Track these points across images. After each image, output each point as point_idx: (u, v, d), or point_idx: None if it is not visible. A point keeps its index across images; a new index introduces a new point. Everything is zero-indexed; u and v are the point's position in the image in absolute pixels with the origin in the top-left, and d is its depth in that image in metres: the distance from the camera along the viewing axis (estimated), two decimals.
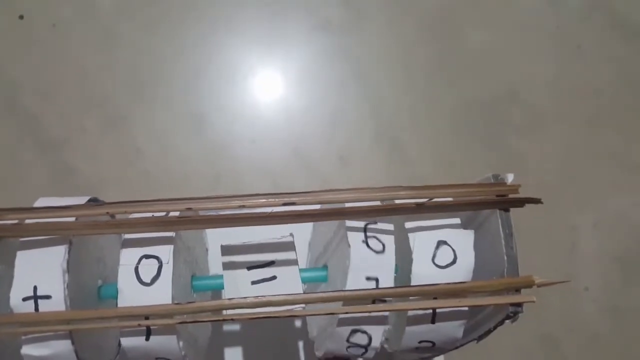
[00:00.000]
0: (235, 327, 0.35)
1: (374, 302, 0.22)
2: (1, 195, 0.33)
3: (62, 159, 0.41)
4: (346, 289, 0.22)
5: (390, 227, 0.23)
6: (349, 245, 0.22)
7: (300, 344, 0.35)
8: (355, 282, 0.22)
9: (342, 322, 0.23)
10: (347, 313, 0.22)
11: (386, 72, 0.44)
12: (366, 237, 0.23)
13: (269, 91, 0.44)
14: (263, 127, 0.43)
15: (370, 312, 0.22)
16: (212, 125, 0.43)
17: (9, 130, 0.42)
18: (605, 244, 0.42)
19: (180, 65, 0.43)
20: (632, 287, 0.41)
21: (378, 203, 0.23)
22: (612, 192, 0.43)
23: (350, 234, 0.23)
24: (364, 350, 0.24)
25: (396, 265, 0.26)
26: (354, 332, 0.23)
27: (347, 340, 0.23)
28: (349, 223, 0.23)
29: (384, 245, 0.23)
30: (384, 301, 0.22)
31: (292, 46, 0.44)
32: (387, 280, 0.22)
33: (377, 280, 0.22)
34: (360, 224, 0.23)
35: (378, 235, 0.23)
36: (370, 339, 0.23)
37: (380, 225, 0.23)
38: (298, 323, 0.35)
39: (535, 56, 0.45)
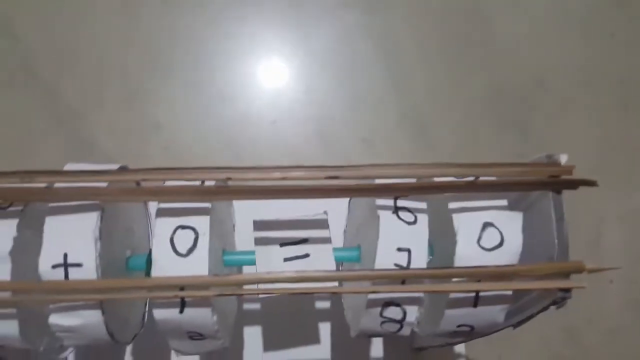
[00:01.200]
0: (256, 306, 0.34)
1: (403, 282, 0.21)
2: (16, 168, 0.32)
3: (79, 132, 0.40)
4: (377, 260, 0.21)
5: (423, 203, 0.22)
6: (378, 217, 0.21)
7: (321, 325, 0.34)
8: (386, 252, 0.21)
9: (372, 303, 0.22)
10: (389, 292, 0.21)
11: (411, 53, 0.43)
12: (396, 208, 0.22)
13: (291, 70, 0.43)
14: (284, 108, 0.42)
15: (411, 292, 0.21)
16: (232, 104, 0.41)
17: (26, 101, 0.41)
18: (632, 237, 0.41)
19: (200, 41, 0.42)
20: None
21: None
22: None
23: (379, 203, 0.22)
24: (399, 326, 0.23)
25: (430, 248, 0.26)
26: (386, 305, 0.22)
27: (381, 315, 0.23)
28: (379, 201, 0.22)
29: (415, 217, 0.22)
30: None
31: (316, 23, 0.43)
32: (420, 252, 0.21)
33: (409, 251, 0.21)
34: (390, 200, 0.22)
35: (409, 206, 0.22)
36: (405, 313, 0.22)
37: (410, 201, 0.22)
38: (320, 304, 0.34)
39: (567, 43, 0.44)
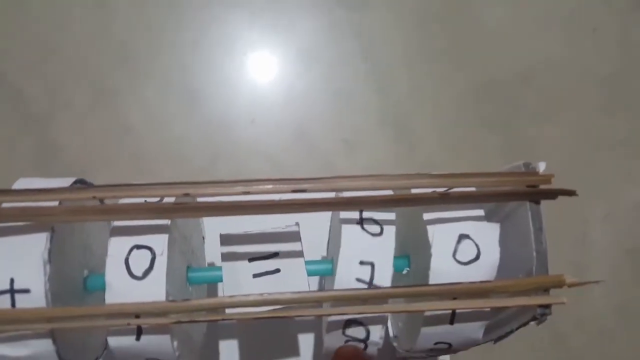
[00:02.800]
0: (231, 321, 0.33)
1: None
2: None
3: (47, 135, 0.38)
4: (337, 274, 0.20)
5: (392, 214, 0.21)
6: (340, 227, 0.20)
7: (301, 337, 0.33)
8: (347, 266, 0.20)
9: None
10: (360, 314, 0.20)
11: (394, 51, 0.42)
12: (361, 219, 0.21)
13: (270, 68, 0.41)
14: (263, 107, 0.41)
15: (384, 312, 0.20)
16: (209, 104, 0.40)
17: None
18: (617, 237, 0.40)
19: (176, 38, 0.40)
20: None
21: (390, 192, 0.21)
22: (626, 183, 0.41)
23: (343, 219, 0.21)
24: (364, 345, 0.22)
25: (407, 259, 0.24)
26: (348, 323, 0.21)
27: (344, 334, 0.21)
28: (343, 213, 0.21)
29: (382, 229, 0.21)
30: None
31: (296, 21, 0.42)
32: (384, 266, 0.20)
33: (372, 265, 0.20)
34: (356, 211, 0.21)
35: (377, 218, 0.21)
36: (368, 332, 0.21)
37: (379, 209, 0.21)
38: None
39: (550, 39, 0.43)
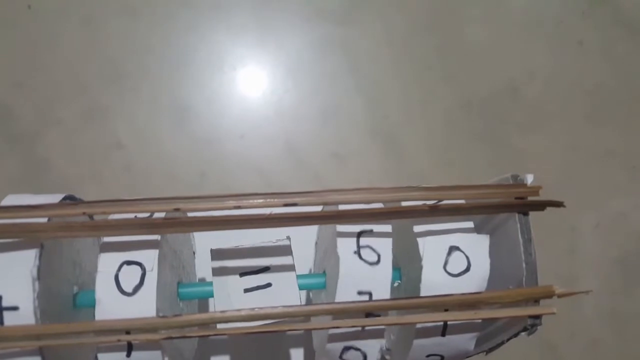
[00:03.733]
0: (222, 336, 0.33)
1: (367, 315, 0.20)
2: None
3: (35, 152, 0.38)
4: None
5: (388, 231, 0.21)
6: (339, 257, 0.20)
7: (293, 351, 0.33)
8: (345, 297, 0.20)
9: (333, 338, 0.21)
10: (350, 327, 0.20)
11: (382, 66, 0.42)
12: (359, 246, 0.21)
13: (259, 84, 0.41)
14: (252, 122, 0.41)
15: (376, 325, 0.20)
16: (198, 119, 0.40)
17: None
18: (607, 247, 0.41)
19: (164, 54, 0.41)
20: (633, 291, 0.40)
21: (380, 205, 0.21)
22: (614, 193, 0.42)
23: (340, 244, 0.21)
24: None
25: (398, 272, 0.25)
26: (346, 349, 0.21)
27: (340, 358, 0.21)
28: (340, 228, 0.21)
29: (379, 256, 0.21)
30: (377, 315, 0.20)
31: (284, 37, 0.42)
32: (382, 294, 0.20)
33: (370, 294, 0.20)
34: (354, 230, 0.21)
35: (373, 244, 0.21)
36: (365, 356, 0.21)
37: (376, 232, 0.21)
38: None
39: (536, 52, 0.44)
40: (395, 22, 0.43)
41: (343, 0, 0.42)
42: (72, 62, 0.40)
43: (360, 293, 0.20)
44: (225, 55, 0.41)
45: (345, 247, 0.21)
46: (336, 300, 0.20)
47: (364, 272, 0.20)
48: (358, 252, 0.21)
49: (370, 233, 0.21)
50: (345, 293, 0.20)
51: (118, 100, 0.39)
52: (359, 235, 0.21)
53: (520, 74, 0.43)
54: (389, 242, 0.21)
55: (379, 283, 0.20)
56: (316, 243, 0.28)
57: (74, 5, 0.40)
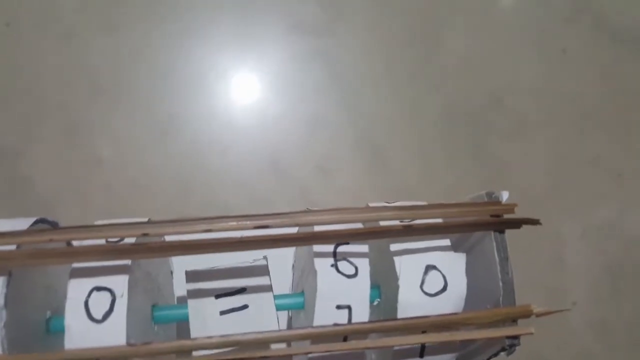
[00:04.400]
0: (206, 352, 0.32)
1: (345, 339, 0.19)
2: None
3: (14, 169, 0.38)
4: (315, 319, 0.20)
5: (365, 247, 0.21)
6: (315, 271, 0.20)
7: None
8: (324, 312, 0.20)
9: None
10: (329, 351, 0.19)
11: (366, 77, 0.42)
12: (335, 260, 0.20)
13: (242, 96, 0.41)
14: (236, 135, 0.40)
15: (353, 349, 0.20)
16: (181, 134, 0.40)
17: None
18: (593, 255, 0.41)
19: (145, 68, 0.40)
20: (621, 300, 0.40)
21: (360, 225, 0.21)
22: (599, 201, 0.42)
23: (317, 258, 0.20)
24: None
25: (378, 290, 0.24)
26: None
27: None
28: (317, 248, 0.21)
29: (356, 268, 0.20)
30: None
31: (267, 48, 0.42)
32: (361, 307, 0.20)
33: (349, 307, 0.20)
34: (330, 244, 0.21)
35: (350, 257, 0.21)
36: None
37: (352, 246, 0.21)
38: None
39: (520, 61, 0.44)
40: (378, 34, 0.43)
41: (325, 13, 0.42)
42: (52, 78, 0.39)
43: (339, 307, 0.20)
44: (207, 70, 0.41)
45: (322, 261, 0.20)
46: (315, 317, 0.20)
47: (342, 285, 0.20)
48: (335, 265, 0.20)
49: (346, 245, 0.21)
50: (324, 308, 0.20)
51: (98, 115, 0.39)
52: (336, 247, 0.21)
53: (504, 83, 0.43)
54: (365, 253, 0.21)
55: (358, 296, 0.20)
56: (293, 265, 0.27)
57: (53, 21, 0.40)
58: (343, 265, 0.21)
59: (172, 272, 0.27)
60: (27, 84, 0.39)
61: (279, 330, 0.18)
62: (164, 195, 0.38)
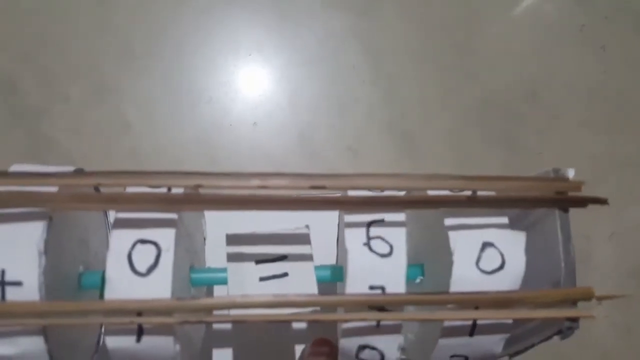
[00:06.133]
0: (226, 326, 0.31)
1: (381, 309, 0.18)
2: None
3: (40, 130, 0.37)
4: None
5: (402, 220, 0.19)
6: (346, 249, 0.19)
7: (298, 348, 0.32)
8: (356, 292, 0.19)
9: (347, 333, 0.19)
10: (376, 320, 0.18)
11: (401, 61, 0.41)
12: (368, 237, 0.19)
13: (275, 72, 0.40)
14: (266, 110, 0.39)
15: (403, 319, 0.19)
16: (210, 104, 0.39)
17: None
18: (622, 257, 0.40)
19: (178, 36, 0.39)
20: None
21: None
22: (630, 202, 0.41)
23: (348, 235, 0.19)
24: None
25: (421, 268, 0.23)
26: (361, 348, 0.20)
27: (356, 357, 0.20)
28: (348, 218, 0.19)
29: (391, 247, 0.19)
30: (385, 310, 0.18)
31: (303, 24, 0.41)
32: (396, 288, 0.19)
33: (382, 288, 0.19)
34: (363, 219, 0.19)
35: (384, 235, 0.19)
36: (382, 355, 0.20)
37: (387, 221, 0.19)
38: (297, 325, 0.32)
39: (557, 55, 0.43)
40: (417, 18, 0.42)
41: None
42: (84, 38, 0.38)
43: (372, 288, 0.19)
44: (241, 40, 0.40)
45: (354, 238, 0.19)
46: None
47: (374, 265, 0.19)
48: (368, 244, 0.19)
49: (381, 223, 0.19)
50: (355, 288, 0.19)
51: (128, 80, 0.38)
52: (369, 225, 0.19)
53: (540, 76, 0.42)
54: (402, 231, 0.19)
55: (392, 277, 0.19)
56: (338, 236, 0.27)
57: None
58: (376, 243, 0.19)
59: (205, 239, 0.26)
60: (57, 41, 0.38)
61: (332, 295, 0.17)
62: (191, 165, 0.37)
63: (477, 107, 0.41)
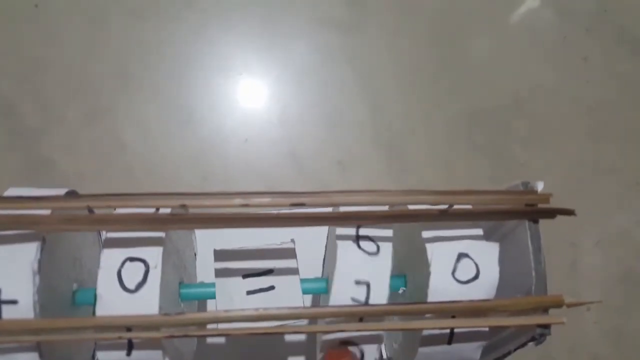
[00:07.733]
0: (220, 339, 0.32)
1: (361, 319, 0.19)
2: None
3: (38, 150, 0.38)
4: (332, 293, 0.20)
5: (389, 231, 0.21)
6: (337, 245, 0.20)
7: (290, 359, 0.32)
8: (342, 285, 0.20)
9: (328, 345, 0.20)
10: (356, 331, 0.19)
11: (388, 75, 0.42)
12: (358, 237, 0.20)
13: (265, 89, 0.41)
14: (257, 126, 0.40)
15: (382, 330, 0.20)
16: (202, 122, 0.40)
17: None
18: (608, 263, 0.41)
19: (170, 56, 0.40)
20: (634, 308, 0.40)
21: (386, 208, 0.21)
22: (615, 209, 0.42)
23: (340, 235, 0.20)
24: None
25: (404, 279, 0.24)
26: (343, 344, 0.21)
27: None
28: (340, 229, 0.21)
29: (378, 247, 0.20)
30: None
31: (291, 42, 0.42)
32: (380, 286, 0.20)
33: (367, 284, 0.20)
34: (353, 227, 0.21)
35: (373, 236, 0.21)
36: (362, 353, 0.21)
37: (376, 229, 0.21)
38: (290, 336, 0.33)
39: (541, 66, 0.44)
40: (402, 33, 0.43)
41: (350, 10, 0.42)
42: (78, 61, 0.39)
43: (357, 282, 0.20)
44: (232, 60, 0.41)
45: (345, 237, 0.20)
46: (332, 290, 0.20)
47: (362, 261, 0.20)
48: (357, 242, 0.20)
49: (370, 228, 0.21)
50: (342, 281, 0.20)
51: (122, 101, 0.39)
52: (359, 226, 0.21)
53: (524, 87, 0.43)
54: (389, 232, 0.20)
55: (377, 274, 0.20)
56: (326, 247, 0.27)
57: (81, 5, 0.40)
58: (365, 243, 0.21)
59: (195, 254, 0.27)
60: (53, 64, 0.39)
61: (313, 307, 0.18)
62: (184, 183, 0.38)
63: (463, 119, 0.42)
